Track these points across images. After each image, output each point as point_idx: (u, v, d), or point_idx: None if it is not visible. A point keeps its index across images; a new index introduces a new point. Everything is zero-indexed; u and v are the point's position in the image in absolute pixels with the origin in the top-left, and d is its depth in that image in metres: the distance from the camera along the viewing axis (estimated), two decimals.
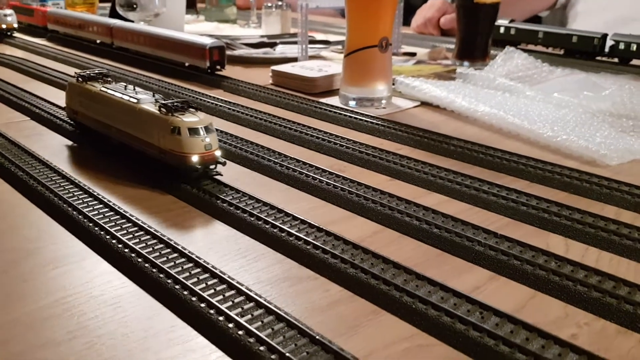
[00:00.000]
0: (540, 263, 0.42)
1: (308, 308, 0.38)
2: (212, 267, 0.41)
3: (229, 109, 0.84)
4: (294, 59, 1.14)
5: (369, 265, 0.42)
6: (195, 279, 0.39)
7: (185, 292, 0.38)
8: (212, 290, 0.38)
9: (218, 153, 0.54)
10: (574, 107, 0.82)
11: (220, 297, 0.38)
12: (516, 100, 0.85)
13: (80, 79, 0.66)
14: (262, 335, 0.34)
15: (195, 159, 0.53)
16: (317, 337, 0.34)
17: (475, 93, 0.87)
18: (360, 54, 0.84)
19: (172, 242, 0.44)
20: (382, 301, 0.39)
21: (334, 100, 0.90)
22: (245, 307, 0.37)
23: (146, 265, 0.41)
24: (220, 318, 0.36)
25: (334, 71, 0.97)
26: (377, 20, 0.84)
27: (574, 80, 0.96)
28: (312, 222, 0.48)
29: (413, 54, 1.27)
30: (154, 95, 0.58)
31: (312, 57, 1.17)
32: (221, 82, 1.00)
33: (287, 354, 0.32)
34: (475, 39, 1.17)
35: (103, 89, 0.62)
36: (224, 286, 0.39)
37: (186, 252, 0.42)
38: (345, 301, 0.40)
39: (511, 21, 1.34)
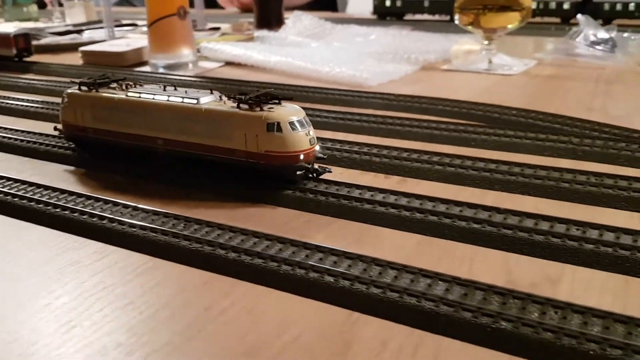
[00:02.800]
0: (328, 146, 0.56)
1: None
2: None
3: (42, 84, 0.88)
4: (103, 41, 1.19)
5: None
6: None
7: None
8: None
9: (318, 147, 0.47)
10: (348, 51, 1.00)
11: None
12: (302, 50, 1.00)
13: (86, 87, 0.54)
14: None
15: (302, 157, 0.45)
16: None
17: (268, 48, 1.01)
18: (161, 23, 0.94)
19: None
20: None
21: (145, 69, 0.98)
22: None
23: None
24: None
25: (142, 44, 1.05)
26: None
27: (350, 32, 1.14)
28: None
29: (217, 28, 1.39)
30: (211, 92, 0.49)
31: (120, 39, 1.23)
32: (31, 67, 1.03)
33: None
34: (270, 9, 1.32)
35: (132, 94, 0.51)
36: None
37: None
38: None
39: None
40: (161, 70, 0.96)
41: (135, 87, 0.53)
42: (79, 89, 0.55)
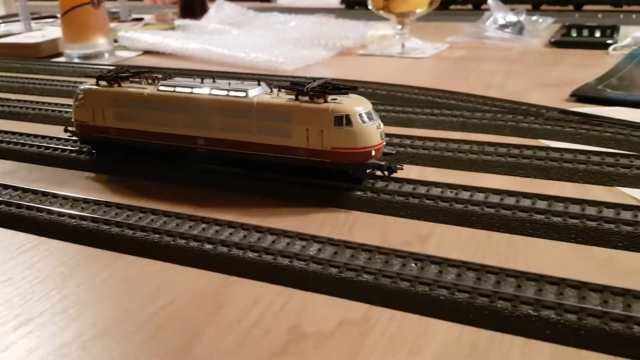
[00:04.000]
0: None
1: None
2: None
3: None
4: (19, 34, 1.16)
5: None
6: None
7: None
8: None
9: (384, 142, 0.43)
10: (267, 37, 1.01)
11: None
12: (221, 37, 1.01)
13: (106, 81, 0.48)
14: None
15: (373, 153, 0.41)
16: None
17: (186, 36, 1.01)
18: (74, 13, 0.92)
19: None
20: None
21: (61, 60, 0.96)
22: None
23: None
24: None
25: (58, 35, 1.02)
26: None
27: (271, 20, 1.15)
28: None
29: (141, 19, 1.37)
30: (259, 84, 0.44)
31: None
32: None
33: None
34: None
35: (165, 88, 0.45)
36: None
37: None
38: None
39: None
40: (76, 60, 0.94)
41: (165, 79, 0.47)
42: (97, 84, 0.48)
